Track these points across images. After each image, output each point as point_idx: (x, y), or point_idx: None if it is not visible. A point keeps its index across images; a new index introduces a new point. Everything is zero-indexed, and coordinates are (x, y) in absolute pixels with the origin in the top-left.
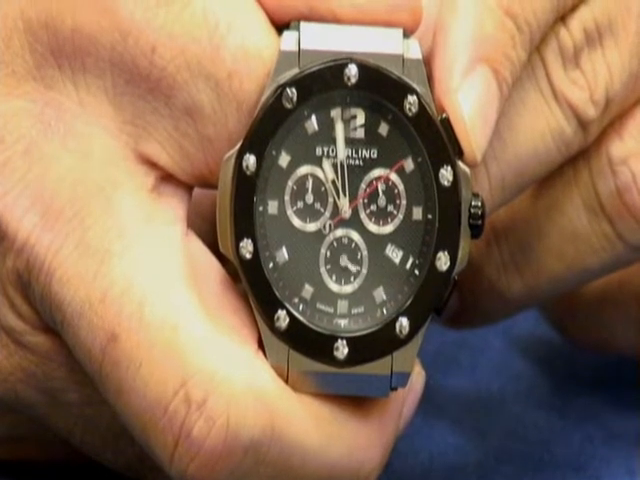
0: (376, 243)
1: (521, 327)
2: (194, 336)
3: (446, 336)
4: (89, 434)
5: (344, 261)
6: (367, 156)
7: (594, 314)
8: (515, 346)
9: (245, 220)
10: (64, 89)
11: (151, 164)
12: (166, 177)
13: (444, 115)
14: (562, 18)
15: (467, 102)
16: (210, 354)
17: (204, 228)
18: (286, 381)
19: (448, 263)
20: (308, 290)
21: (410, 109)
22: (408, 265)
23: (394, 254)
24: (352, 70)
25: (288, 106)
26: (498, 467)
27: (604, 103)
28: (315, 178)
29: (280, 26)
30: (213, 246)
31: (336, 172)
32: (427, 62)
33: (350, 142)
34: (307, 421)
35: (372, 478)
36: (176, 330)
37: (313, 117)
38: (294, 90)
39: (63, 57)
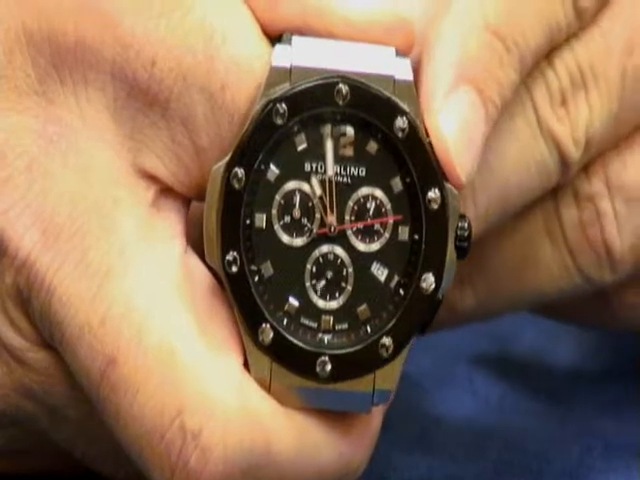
0: (362, 260)
1: (519, 339)
2: (190, 360)
3: (443, 348)
4: (90, 447)
5: (329, 277)
6: (355, 174)
7: None
8: (513, 357)
9: (232, 233)
10: (66, 103)
11: (150, 178)
12: (165, 191)
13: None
14: (548, 58)
15: (449, 123)
16: (205, 378)
17: (193, 235)
18: (268, 392)
19: (433, 285)
20: (293, 305)
21: (400, 130)
22: (393, 284)
23: (379, 272)
24: (343, 89)
25: (278, 122)
26: (497, 478)
27: (584, 142)
28: (303, 193)
29: (274, 37)
30: (202, 253)
31: (324, 189)
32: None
33: (339, 159)
34: (298, 435)
35: (360, 470)
36: (173, 355)
37: (303, 133)
38: (284, 106)
39: (65, 70)
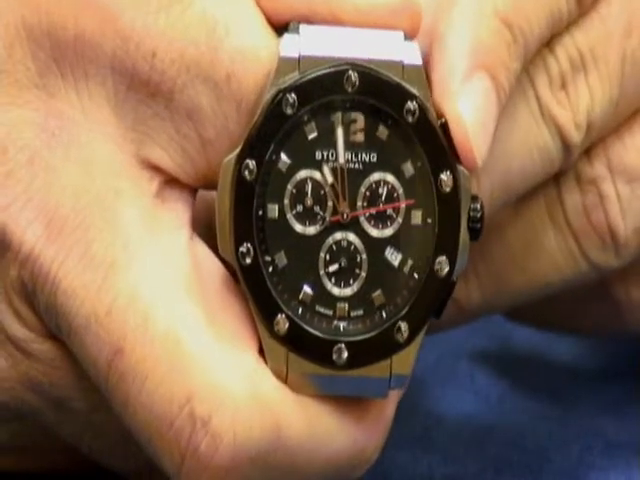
0: (375, 246)
1: (519, 336)
2: (198, 350)
3: (445, 346)
4: (98, 440)
5: (343, 264)
6: (367, 160)
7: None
8: (514, 356)
9: (245, 225)
10: (66, 97)
11: (154, 169)
12: (170, 181)
13: (444, 120)
14: (548, 45)
15: (467, 108)
16: (213, 367)
17: (205, 225)
18: (285, 383)
19: (447, 267)
20: (307, 293)
21: (410, 115)
22: (407, 268)
23: (393, 257)
24: (352, 77)
25: (288, 112)
26: (497, 477)
27: (585, 126)
28: (315, 182)
29: (279, 26)
30: (212, 244)
31: (336, 176)
32: (425, 66)
33: (350, 146)
34: (310, 422)
35: (374, 457)
36: (180, 344)
37: (313, 122)
38: (294, 96)
39: (66, 64)
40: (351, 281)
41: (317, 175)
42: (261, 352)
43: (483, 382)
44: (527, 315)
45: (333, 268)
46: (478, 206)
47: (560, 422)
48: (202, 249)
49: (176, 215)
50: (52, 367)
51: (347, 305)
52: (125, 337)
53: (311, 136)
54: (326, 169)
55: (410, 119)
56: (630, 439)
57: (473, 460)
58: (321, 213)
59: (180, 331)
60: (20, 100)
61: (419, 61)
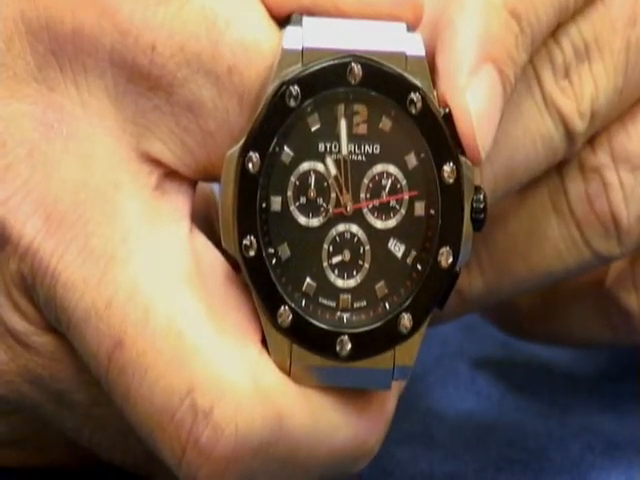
0: (378, 237)
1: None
2: (199, 342)
3: (446, 347)
4: (97, 433)
5: (346, 256)
6: (370, 151)
7: (545, 303)
8: (514, 356)
9: (248, 217)
10: (66, 91)
11: (154, 162)
12: (170, 174)
13: (447, 110)
14: (553, 34)
15: (474, 101)
16: (215, 360)
17: (194, 221)
18: (288, 375)
19: (451, 258)
20: (311, 285)
21: (413, 106)
22: (410, 259)
23: (396, 248)
24: (355, 69)
25: (292, 104)
26: (498, 475)
27: (589, 115)
28: (318, 174)
29: (281, 18)
30: (211, 236)
31: (339, 168)
32: (430, 56)
33: (353, 138)
34: (313, 414)
35: (376, 450)
36: (181, 336)
37: (316, 114)
38: (297, 88)
39: (64, 58)
40: (354, 272)
41: (320, 167)
42: (264, 344)
43: (484, 383)
44: (538, 333)
45: (336, 260)
46: (481, 197)
47: (561, 421)
48: (202, 241)
49: (176, 207)
50: (52, 360)
51: (350, 296)
52: (125, 330)
53: (314, 128)
54: (329, 161)
55: (413, 110)
56: (631, 438)
57: (474, 458)
58: (324, 205)
59: (181, 323)
60: (19, 94)
61: (422, 52)
